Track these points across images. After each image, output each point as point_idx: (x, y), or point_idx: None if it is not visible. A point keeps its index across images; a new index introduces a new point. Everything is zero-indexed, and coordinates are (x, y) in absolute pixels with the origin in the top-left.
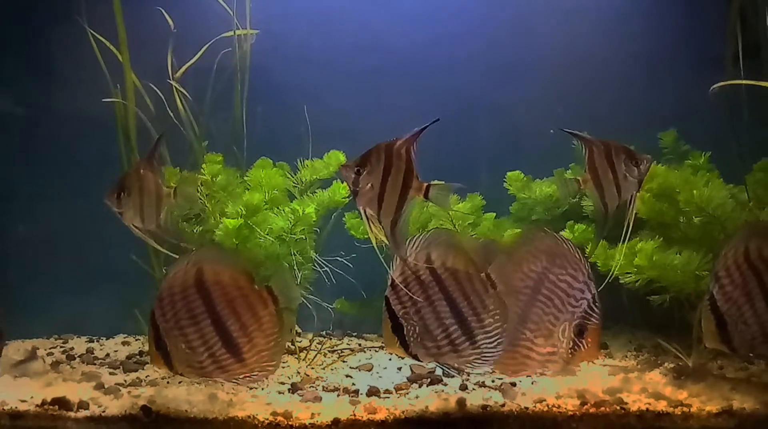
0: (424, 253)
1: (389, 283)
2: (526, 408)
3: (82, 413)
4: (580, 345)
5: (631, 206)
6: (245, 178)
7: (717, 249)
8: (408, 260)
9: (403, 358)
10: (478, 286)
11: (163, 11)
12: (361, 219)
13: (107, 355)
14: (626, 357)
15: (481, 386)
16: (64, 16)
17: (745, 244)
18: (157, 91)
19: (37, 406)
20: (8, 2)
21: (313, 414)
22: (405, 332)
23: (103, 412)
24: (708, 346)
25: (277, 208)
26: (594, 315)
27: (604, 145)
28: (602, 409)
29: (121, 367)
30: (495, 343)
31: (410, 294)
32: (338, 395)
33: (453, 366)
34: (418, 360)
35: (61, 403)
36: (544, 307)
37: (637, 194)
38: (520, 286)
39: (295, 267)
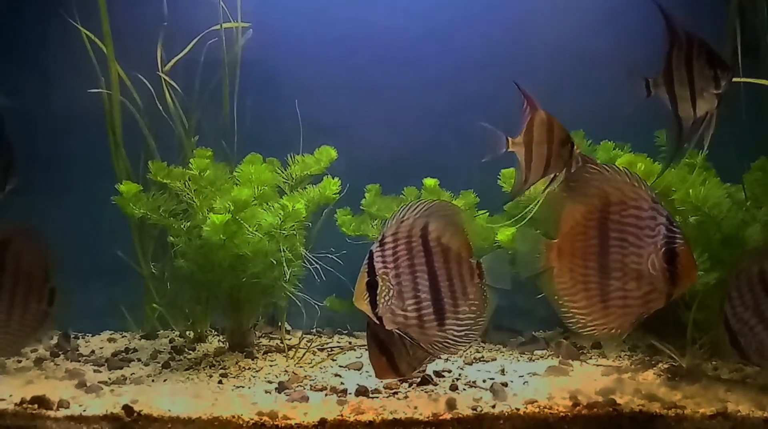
0: (423, 221)
1: (379, 239)
2: (517, 409)
3: (62, 412)
4: (677, 271)
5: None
6: (235, 173)
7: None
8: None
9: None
10: (464, 271)
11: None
12: None
13: (92, 352)
14: (620, 357)
15: (471, 386)
16: (52, 9)
17: None
18: (148, 84)
19: (15, 404)
20: None
21: (299, 414)
22: (378, 291)
23: (84, 411)
24: None
25: (267, 203)
26: (677, 235)
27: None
28: (595, 410)
29: (106, 364)
30: (462, 333)
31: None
32: (326, 395)
33: (414, 340)
34: (382, 323)
35: (41, 401)
36: (620, 249)
37: None
38: (583, 241)
39: (284, 263)
